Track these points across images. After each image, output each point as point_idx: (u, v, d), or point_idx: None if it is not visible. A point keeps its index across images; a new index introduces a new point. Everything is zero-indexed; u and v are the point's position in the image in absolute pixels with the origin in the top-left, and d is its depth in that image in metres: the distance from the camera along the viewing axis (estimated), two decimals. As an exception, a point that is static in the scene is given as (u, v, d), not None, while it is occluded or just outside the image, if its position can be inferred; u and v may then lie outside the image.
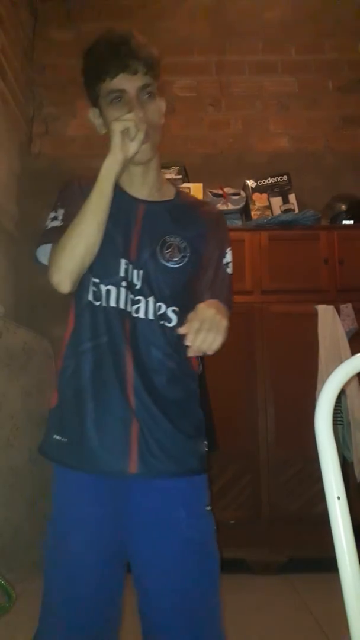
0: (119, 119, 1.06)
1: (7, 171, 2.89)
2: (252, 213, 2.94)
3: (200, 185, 2.96)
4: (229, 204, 2.92)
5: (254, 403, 2.66)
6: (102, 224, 1.07)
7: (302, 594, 2.28)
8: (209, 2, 3.50)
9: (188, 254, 1.14)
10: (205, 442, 1.15)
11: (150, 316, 1.09)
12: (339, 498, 0.70)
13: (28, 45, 3.29)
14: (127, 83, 1.10)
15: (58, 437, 1.08)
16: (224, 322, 0.99)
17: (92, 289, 1.10)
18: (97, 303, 1.10)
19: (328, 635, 1.86)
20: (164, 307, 1.10)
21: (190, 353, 0.99)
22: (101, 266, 1.10)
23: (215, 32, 3.45)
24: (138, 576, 1.05)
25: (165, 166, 3.01)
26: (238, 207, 2.94)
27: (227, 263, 1.23)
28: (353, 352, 2.41)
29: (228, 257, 1.24)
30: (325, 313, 2.64)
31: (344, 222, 2.89)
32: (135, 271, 1.10)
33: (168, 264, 1.12)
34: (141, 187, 1.19)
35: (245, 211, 2.98)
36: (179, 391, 1.10)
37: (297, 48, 3.42)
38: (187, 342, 0.97)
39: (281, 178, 3.00)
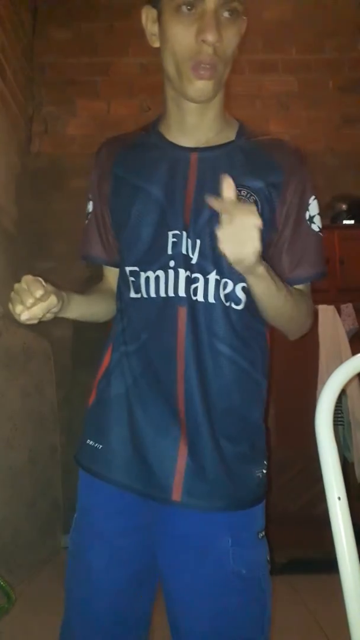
0: (19, 289, 0.83)
1: (6, 170, 2.88)
2: (253, 213, 2.93)
3: (201, 184, 2.95)
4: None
5: (254, 403, 2.65)
6: (93, 314, 1.01)
7: (302, 594, 2.27)
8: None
9: (260, 211, 0.86)
10: (266, 463, 0.94)
11: (211, 299, 0.86)
12: (339, 499, 0.70)
13: (28, 45, 3.28)
14: None
15: (92, 443, 0.92)
16: (250, 248, 0.75)
17: (130, 279, 0.92)
18: (138, 295, 0.91)
19: (328, 636, 1.86)
20: (230, 284, 0.87)
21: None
22: (139, 250, 0.91)
23: (216, 31, 3.44)
24: (172, 614, 0.89)
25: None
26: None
27: (312, 217, 0.94)
28: (354, 352, 2.40)
29: (313, 210, 0.94)
30: (326, 313, 2.64)
31: (345, 221, 2.89)
32: (189, 241, 0.87)
33: None
34: (195, 131, 0.93)
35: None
36: (240, 400, 0.89)
37: (298, 47, 3.42)
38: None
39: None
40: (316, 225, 0.94)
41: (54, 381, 2.82)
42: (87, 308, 0.98)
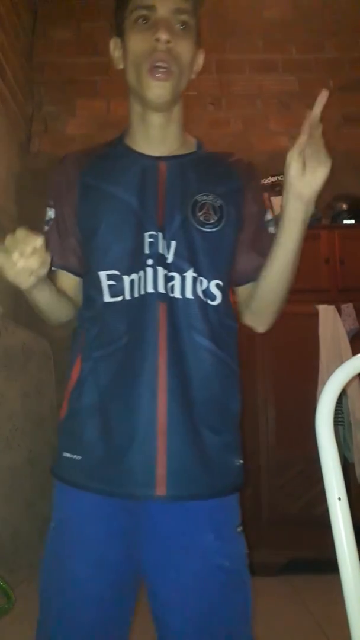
0: (10, 240, 0.82)
1: (6, 170, 2.88)
2: (253, 212, 2.93)
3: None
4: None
5: (254, 404, 2.65)
6: (56, 309, 0.97)
7: (302, 595, 2.27)
8: (209, 1, 3.49)
9: (225, 214, 0.96)
10: (241, 453, 1.00)
11: (189, 294, 0.91)
12: (339, 499, 0.69)
13: (27, 44, 3.28)
14: (160, 0, 0.92)
15: (69, 455, 0.91)
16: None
17: (107, 283, 0.93)
18: (117, 299, 0.93)
19: (328, 636, 1.86)
20: (205, 281, 0.93)
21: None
22: (120, 254, 0.93)
23: (216, 30, 3.44)
24: (158, 612, 0.90)
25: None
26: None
27: (269, 221, 1.05)
28: (354, 352, 2.40)
29: (269, 214, 1.06)
30: (326, 313, 2.63)
31: (345, 221, 2.89)
32: (165, 242, 0.92)
33: (204, 228, 0.94)
34: (159, 142, 1.00)
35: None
36: (221, 390, 0.94)
37: (298, 47, 3.42)
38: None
39: (282, 177, 2.97)
40: (272, 228, 1.04)
41: (53, 381, 2.82)
42: (55, 296, 0.96)
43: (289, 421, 2.58)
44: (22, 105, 3.16)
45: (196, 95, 3.40)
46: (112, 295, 0.93)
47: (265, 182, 2.99)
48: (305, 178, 0.89)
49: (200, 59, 1.03)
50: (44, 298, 0.94)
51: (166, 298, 0.90)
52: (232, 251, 0.98)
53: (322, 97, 0.89)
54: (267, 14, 3.44)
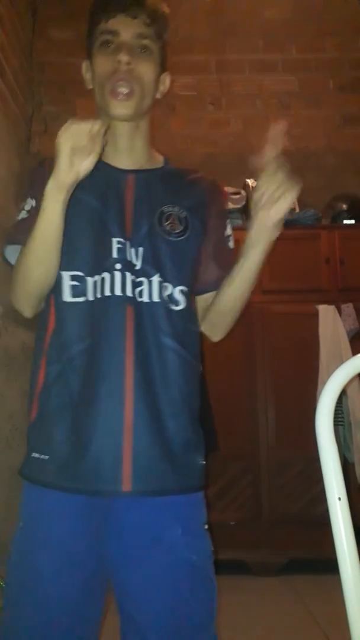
0: (68, 129, 0.88)
1: (6, 170, 2.88)
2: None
3: (201, 184, 2.95)
4: (229, 204, 2.91)
5: (254, 403, 2.65)
6: (53, 253, 0.94)
7: (302, 595, 2.27)
8: (209, 1, 3.49)
9: (190, 225, 1.02)
10: (204, 455, 1.01)
11: (156, 298, 0.95)
12: (339, 499, 0.69)
13: (27, 44, 3.28)
14: (123, 26, 0.99)
15: (37, 455, 0.93)
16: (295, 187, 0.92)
17: (70, 284, 0.96)
18: (80, 299, 0.95)
19: (328, 636, 1.86)
20: (170, 287, 0.97)
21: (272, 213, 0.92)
22: (85, 256, 0.96)
23: (216, 30, 3.44)
24: (125, 606, 0.91)
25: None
26: (239, 206, 2.93)
27: (228, 236, 1.11)
28: (354, 352, 2.40)
29: (229, 230, 1.11)
30: (326, 313, 2.63)
31: (345, 221, 2.89)
32: (132, 249, 0.97)
33: (170, 237, 0.99)
34: (128, 156, 1.06)
35: (246, 210, 2.97)
36: (187, 390, 0.96)
37: (298, 47, 3.41)
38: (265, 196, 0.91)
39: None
40: (231, 243, 1.11)
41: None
42: (60, 234, 0.95)
43: (289, 421, 2.58)
44: (22, 105, 3.16)
45: (196, 95, 3.40)
46: (74, 296, 0.96)
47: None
48: (270, 205, 0.93)
49: (167, 81, 1.09)
50: (56, 224, 0.93)
51: (133, 302, 0.94)
52: (195, 260, 1.03)
53: (277, 129, 0.93)
54: (267, 14, 3.44)
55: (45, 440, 0.93)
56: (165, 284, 0.96)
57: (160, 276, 0.96)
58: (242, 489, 2.58)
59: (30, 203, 1.04)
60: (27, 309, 1.00)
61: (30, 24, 3.33)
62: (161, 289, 0.96)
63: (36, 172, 1.08)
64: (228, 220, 1.13)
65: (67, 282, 0.96)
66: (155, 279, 0.96)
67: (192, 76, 3.39)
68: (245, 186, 3.01)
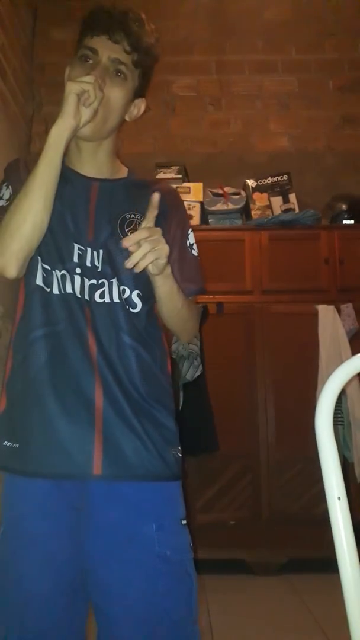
0: (77, 79, 0.96)
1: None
2: (253, 213, 2.93)
3: (201, 184, 2.95)
4: (229, 204, 2.91)
5: (254, 403, 2.65)
6: (50, 199, 0.97)
7: (302, 594, 2.27)
8: (209, 2, 3.49)
9: None
10: (179, 447, 1.03)
11: (116, 299, 1.00)
12: (339, 498, 0.70)
13: (28, 45, 3.28)
14: (103, 47, 1.03)
15: (8, 444, 0.94)
16: (165, 248, 0.93)
17: (41, 273, 1.00)
18: (48, 289, 0.99)
19: (328, 636, 1.86)
20: (127, 290, 1.01)
21: (128, 265, 0.91)
22: (52, 252, 1.00)
23: (216, 31, 3.44)
24: (99, 604, 0.91)
25: (165, 165, 3.00)
26: (238, 206, 2.93)
27: (192, 245, 1.14)
28: (354, 352, 2.40)
29: (191, 239, 1.14)
30: (326, 313, 2.64)
31: (345, 221, 2.89)
32: (94, 253, 1.01)
33: None
34: (91, 166, 1.09)
35: (245, 211, 2.98)
36: (151, 384, 1.00)
37: (298, 47, 3.41)
38: (131, 249, 0.90)
39: (281, 178, 2.99)
40: (195, 251, 1.14)
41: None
42: (55, 184, 0.98)
43: (289, 421, 2.59)
44: (23, 105, 3.16)
45: (196, 96, 3.40)
46: (44, 283, 0.99)
47: (265, 182, 2.99)
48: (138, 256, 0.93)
49: (142, 106, 1.14)
50: (54, 166, 0.97)
51: (90, 304, 0.98)
52: None
53: (155, 199, 0.96)
54: (267, 15, 3.44)
55: (16, 428, 0.95)
56: (123, 287, 1.01)
57: (117, 280, 1.00)
58: (242, 488, 2.58)
59: (7, 191, 1.06)
60: (14, 266, 0.97)
61: (30, 24, 3.33)
62: (119, 291, 1.00)
63: (11, 166, 1.12)
64: (190, 230, 1.15)
65: (40, 266, 1.00)
66: (115, 281, 1.00)
67: (191, 77, 3.39)
68: (245, 186, 3.01)
